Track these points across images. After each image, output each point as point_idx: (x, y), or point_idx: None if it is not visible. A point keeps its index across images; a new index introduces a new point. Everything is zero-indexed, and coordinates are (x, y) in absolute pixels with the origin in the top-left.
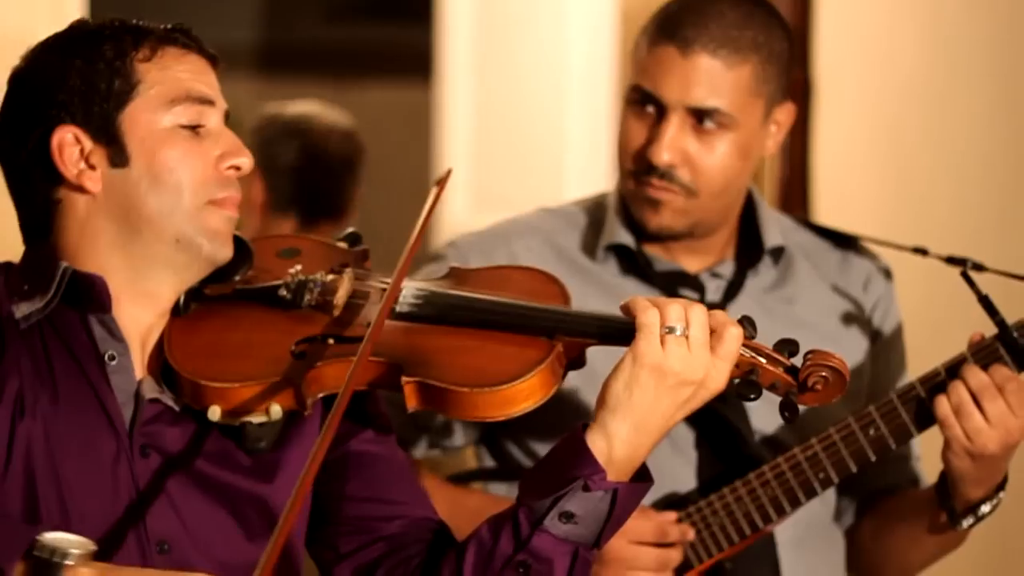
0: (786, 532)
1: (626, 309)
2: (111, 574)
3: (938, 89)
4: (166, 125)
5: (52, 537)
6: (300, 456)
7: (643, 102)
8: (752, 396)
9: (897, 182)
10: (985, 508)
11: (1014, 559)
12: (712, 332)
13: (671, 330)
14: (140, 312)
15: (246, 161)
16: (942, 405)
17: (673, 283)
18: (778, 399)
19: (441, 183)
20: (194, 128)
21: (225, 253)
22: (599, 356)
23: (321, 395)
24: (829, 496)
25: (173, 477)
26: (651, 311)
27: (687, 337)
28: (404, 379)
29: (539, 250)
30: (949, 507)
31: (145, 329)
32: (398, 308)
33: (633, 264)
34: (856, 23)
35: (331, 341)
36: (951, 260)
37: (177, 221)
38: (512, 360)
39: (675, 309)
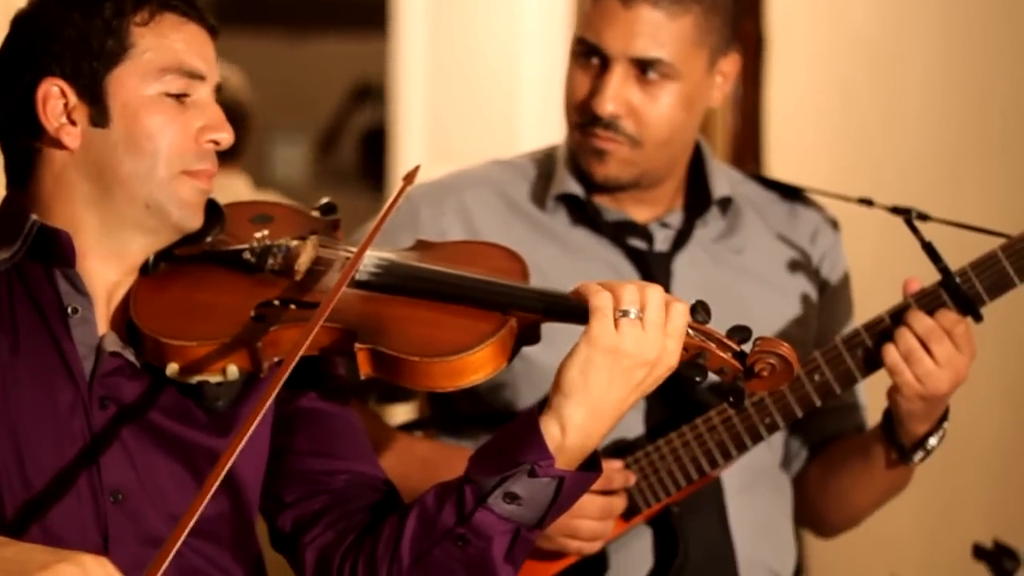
0: (734, 479)
1: (578, 293)
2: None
3: (889, 41)
4: (151, 92)
5: None
6: (252, 412)
7: (587, 54)
8: (698, 379)
9: (848, 134)
10: (933, 441)
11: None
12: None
13: (625, 313)
14: (107, 268)
15: (226, 136)
16: (890, 353)
17: (622, 233)
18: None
19: (408, 178)
20: (179, 97)
21: (194, 222)
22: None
23: (277, 359)
24: (776, 444)
25: (130, 428)
26: (603, 294)
27: (641, 319)
28: (357, 346)
29: (489, 201)
30: (898, 445)
31: (111, 285)
32: (357, 276)
33: (583, 214)
34: None
35: (291, 306)
36: (896, 210)
37: (149, 187)
38: (464, 332)
39: (629, 291)
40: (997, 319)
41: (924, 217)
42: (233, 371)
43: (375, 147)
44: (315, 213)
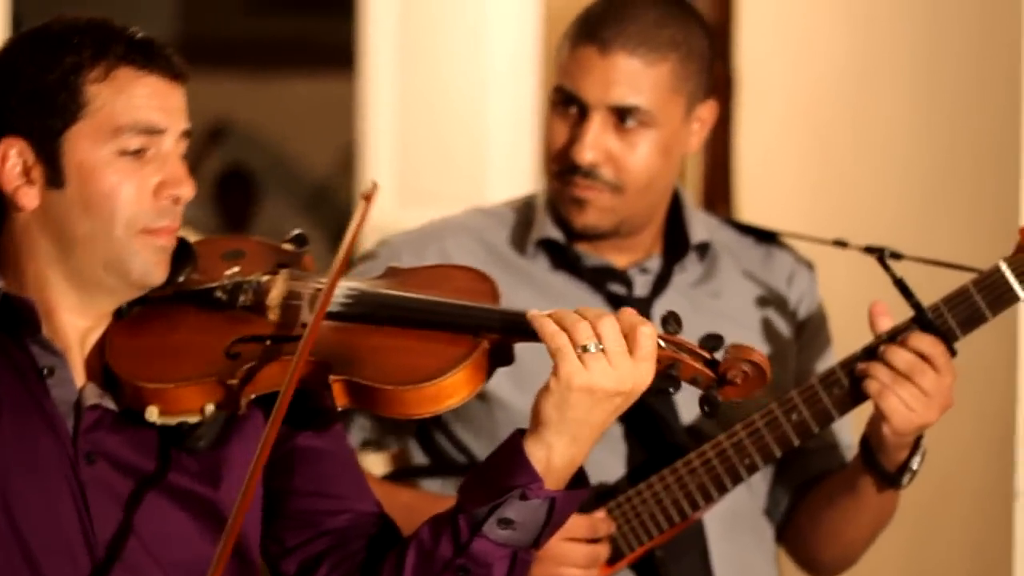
0: (715, 524)
1: (532, 322)
2: None
3: (859, 83)
4: (107, 151)
5: None
6: (242, 454)
7: (566, 103)
8: (671, 390)
9: (820, 177)
10: (916, 460)
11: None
12: (625, 336)
13: (585, 348)
14: (78, 319)
15: (187, 191)
16: (871, 385)
17: (602, 278)
18: (699, 392)
19: (367, 196)
20: (137, 152)
21: (156, 278)
22: (528, 353)
23: (254, 395)
24: (758, 489)
25: (120, 481)
26: (559, 336)
27: (604, 351)
28: (332, 378)
29: (470, 247)
30: (881, 472)
31: (83, 332)
32: (329, 307)
33: (563, 259)
34: (777, 18)
35: (265, 341)
36: (869, 250)
37: (106, 247)
38: (437, 357)
39: (583, 328)
40: (973, 355)
41: (897, 256)
42: (211, 410)
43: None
44: (287, 246)
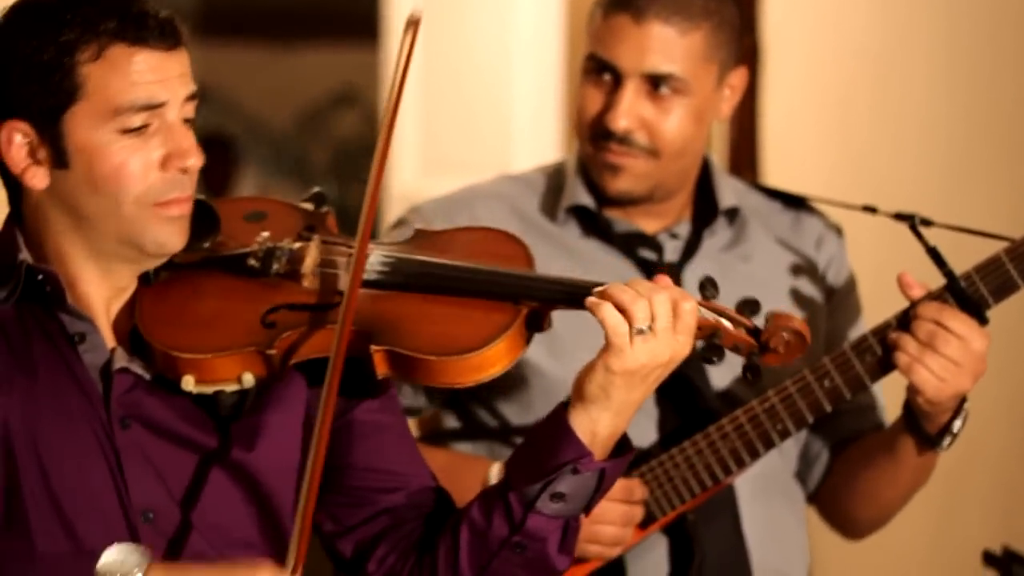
0: (746, 486)
1: (592, 309)
2: (178, 573)
3: (885, 51)
4: (107, 132)
5: (110, 560)
6: (279, 420)
7: (599, 70)
8: (715, 359)
9: (845, 144)
10: (957, 424)
11: (961, 512)
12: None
13: (640, 331)
14: (101, 288)
15: (194, 162)
16: (900, 358)
17: (632, 244)
18: (740, 359)
19: (414, 24)
20: (139, 129)
21: (173, 246)
22: (561, 320)
23: (292, 362)
24: (788, 451)
25: (155, 445)
26: (619, 321)
27: (652, 329)
28: (373, 348)
29: (501, 214)
30: (923, 435)
31: (107, 300)
32: (365, 276)
33: (593, 226)
34: None
35: (302, 310)
36: (899, 216)
37: (118, 224)
38: (479, 326)
39: (641, 308)
40: (998, 323)
41: (927, 223)
42: (249, 379)
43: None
44: (306, 205)
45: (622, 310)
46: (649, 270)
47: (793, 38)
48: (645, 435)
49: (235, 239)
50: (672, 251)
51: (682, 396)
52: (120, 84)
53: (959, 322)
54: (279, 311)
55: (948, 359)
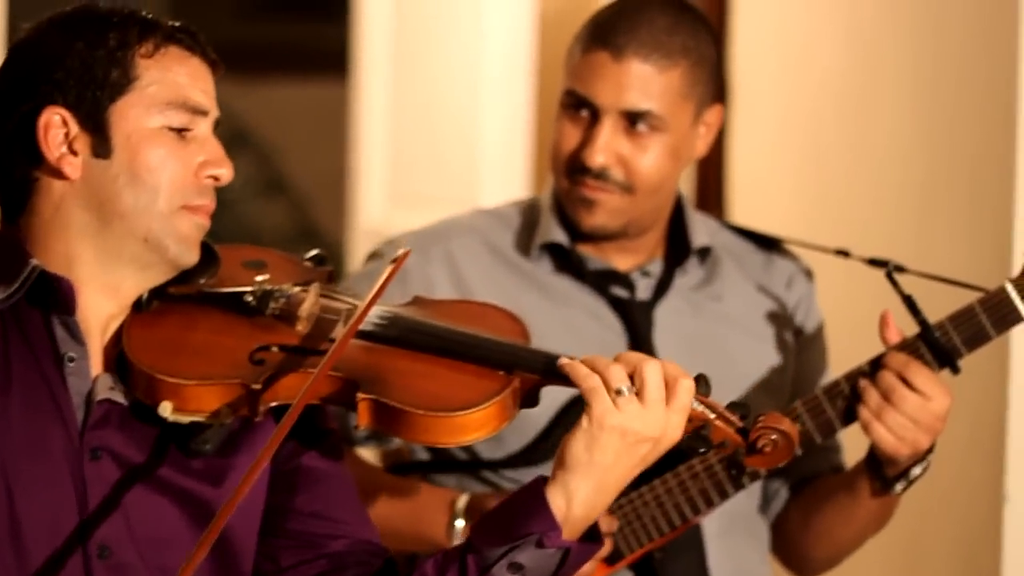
0: (712, 524)
1: (564, 368)
2: None
3: (855, 89)
4: (154, 125)
5: None
6: (247, 462)
7: (577, 106)
8: (702, 451)
9: (814, 183)
10: (916, 471)
11: (922, 548)
12: (664, 385)
13: (619, 391)
14: (102, 302)
15: (226, 172)
16: (862, 412)
17: (605, 281)
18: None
19: (398, 261)
20: (181, 131)
21: (190, 258)
22: None
23: (274, 404)
24: (753, 489)
25: (122, 479)
26: (592, 377)
27: (639, 394)
28: (360, 396)
29: (475, 249)
30: (881, 477)
31: (106, 319)
32: (360, 327)
33: (566, 262)
34: (772, 24)
35: (293, 352)
36: (873, 262)
37: (148, 220)
38: (469, 389)
39: (615, 371)
40: (965, 363)
41: (901, 269)
42: (227, 413)
43: None
44: (307, 263)
45: (595, 370)
46: (621, 307)
47: (761, 77)
48: None
49: (232, 281)
50: (644, 289)
51: None
52: (173, 80)
53: (923, 378)
54: (269, 350)
55: (906, 417)
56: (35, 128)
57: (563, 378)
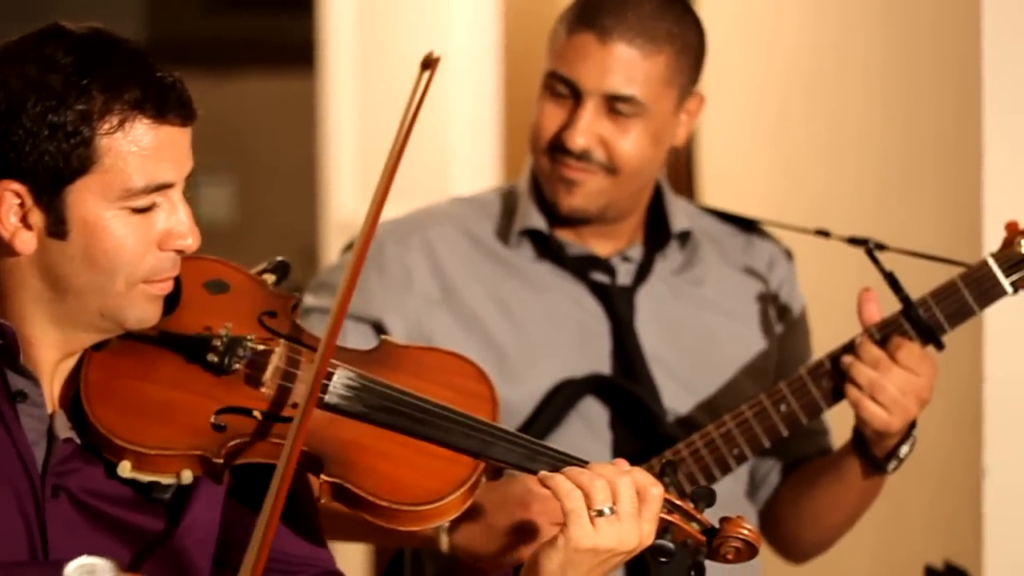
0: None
1: (548, 487)
2: None
3: (820, 72)
4: (113, 210)
5: (76, 567)
6: (206, 498)
7: (560, 88)
8: (663, 559)
9: (783, 167)
10: (904, 449)
11: (901, 525)
12: (636, 495)
13: (600, 512)
14: (53, 352)
15: (191, 243)
16: (850, 389)
17: (585, 267)
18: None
19: (431, 65)
20: (147, 208)
21: (150, 321)
22: (514, 345)
23: (234, 464)
24: (741, 473)
25: (82, 518)
26: (575, 495)
27: (615, 512)
28: (323, 478)
29: (454, 238)
30: (870, 458)
31: (56, 362)
32: (326, 398)
33: (546, 249)
34: (737, 6)
35: (255, 416)
36: (853, 241)
37: (104, 299)
38: (437, 477)
39: (600, 489)
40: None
41: (882, 247)
42: (188, 476)
43: None
44: (269, 277)
45: (579, 485)
46: (602, 292)
47: (728, 59)
48: (600, 459)
49: (195, 314)
50: (625, 274)
51: (637, 420)
52: (136, 163)
53: (905, 352)
54: (231, 413)
55: (896, 389)
56: None
57: (530, 470)
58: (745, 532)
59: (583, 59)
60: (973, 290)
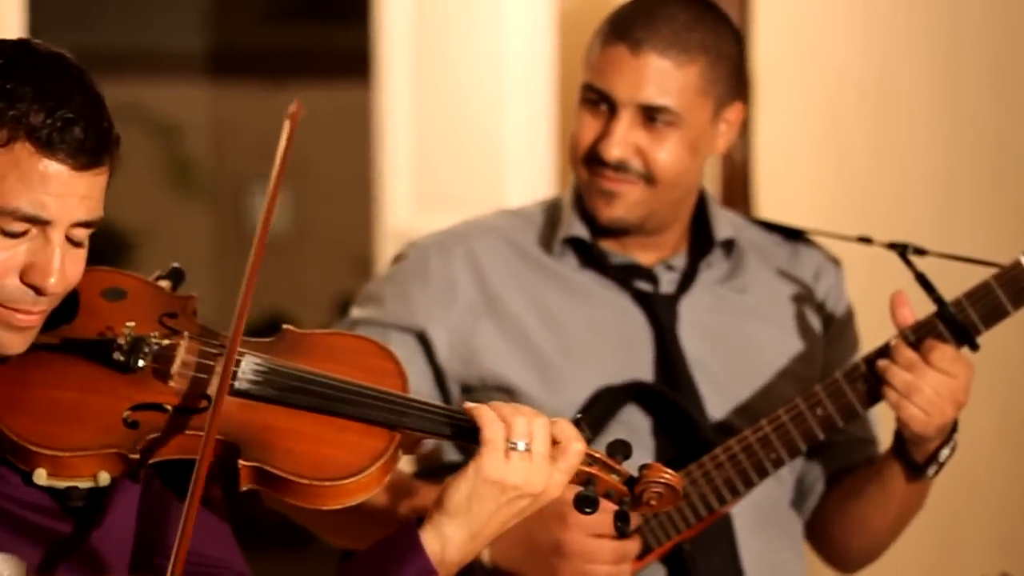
0: (744, 517)
1: (471, 416)
2: None
3: (877, 80)
4: None
5: None
6: (123, 502)
7: (596, 100)
8: (587, 510)
9: (838, 175)
10: (945, 452)
11: (956, 537)
12: (555, 443)
13: (514, 446)
14: None
15: (51, 285)
16: (889, 392)
17: (628, 276)
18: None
19: (292, 117)
20: (17, 234)
21: (13, 350)
22: (554, 349)
23: (152, 462)
24: (786, 481)
25: (2, 526)
26: (496, 425)
27: (529, 451)
28: (241, 463)
29: (498, 249)
30: (910, 462)
31: None
32: (236, 385)
33: (589, 258)
34: (793, 17)
35: (166, 409)
36: (892, 246)
37: None
38: (354, 451)
39: (520, 424)
40: (996, 350)
41: (920, 251)
42: (105, 477)
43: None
44: (164, 283)
45: (501, 417)
46: (645, 301)
47: (783, 70)
48: None
49: (95, 320)
50: (668, 283)
51: (677, 427)
52: (13, 184)
53: (939, 354)
54: (143, 410)
55: (931, 391)
56: None
57: (447, 434)
58: (666, 476)
59: (617, 71)
60: (1007, 290)
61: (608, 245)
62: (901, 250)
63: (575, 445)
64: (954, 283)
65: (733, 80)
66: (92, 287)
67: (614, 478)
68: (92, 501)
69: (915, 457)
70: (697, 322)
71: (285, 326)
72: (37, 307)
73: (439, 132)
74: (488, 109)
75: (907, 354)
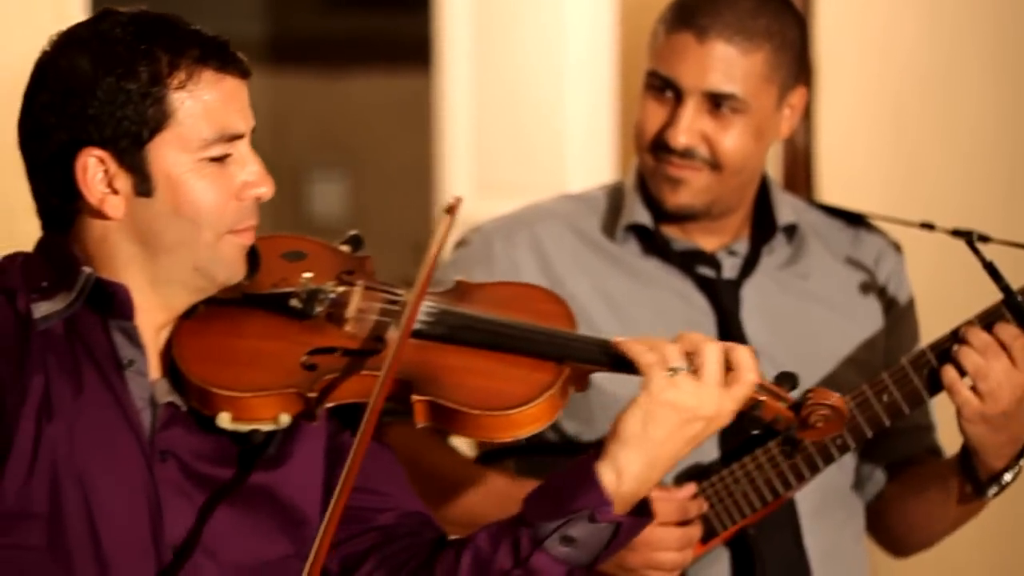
0: (807, 501)
1: (621, 351)
2: None
3: (939, 66)
4: (192, 160)
5: None
6: (306, 447)
7: (661, 87)
8: (755, 432)
9: (900, 161)
10: (1007, 476)
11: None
12: (730, 370)
13: (674, 370)
14: (154, 318)
15: (267, 190)
16: (947, 372)
17: (690, 261)
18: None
19: (451, 210)
20: (221, 159)
21: (239, 276)
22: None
23: (330, 406)
24: (848, 466)
25: (188, 481)
26: (648, 353)
27: (696, 373)
28: (415, 397)
29: (561, 233)
30: (973, 478)
31: (158, 328)
32: None
33: (652, 244)
34: (856, 6)
35: (343, 354)
36: (957, 233)
37: (195, 252)
38: (522, 383)
39: (671, 350)
40: None
41: (985, 239)
42: (285, 419)
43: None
44: (344, 247)
45: (652, 347)
46: (708, 287)
47: (845, 56)
48: (707, 451)
49: (273, 276)
50: (730, 268)
51: (742, 414)
52: (210, 112)
53: (1011, 335)
54: (320, 354)
55: (1000, 376)
56: (72, 167)
57: (614, 364)
58: (832, 399)
59: (682, 58)
60: None
61: (670, 231)
62: (967, 237)
63: (749, 376)
64: (1018, 271)
65: (796, 65)
66: (274, 250)
67: (781, 404)
68: (277, 447)
69: (979, 474)
70: (759, 307)
71: (457, 278)
72: (256, 220)
73: (500, 119)
74: (549, 95)
75: (983, 337)
